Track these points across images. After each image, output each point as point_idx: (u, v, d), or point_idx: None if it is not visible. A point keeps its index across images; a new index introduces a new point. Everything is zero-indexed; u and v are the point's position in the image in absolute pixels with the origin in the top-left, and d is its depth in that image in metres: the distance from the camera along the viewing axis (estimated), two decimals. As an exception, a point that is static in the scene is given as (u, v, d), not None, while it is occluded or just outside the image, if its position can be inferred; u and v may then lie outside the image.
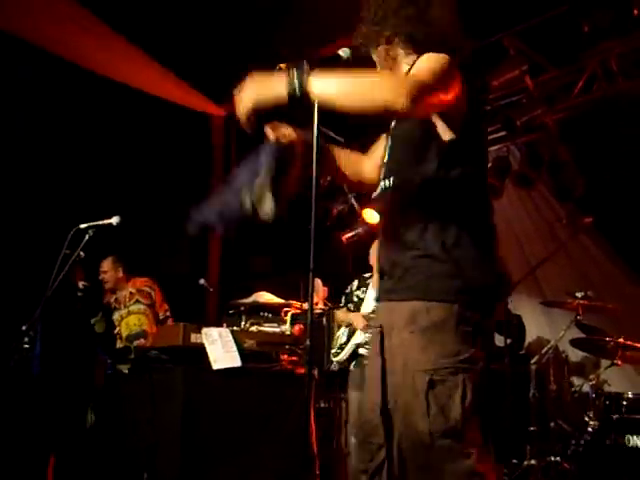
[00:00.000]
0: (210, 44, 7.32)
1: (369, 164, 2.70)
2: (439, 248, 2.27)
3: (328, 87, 2.16)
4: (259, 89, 2.19)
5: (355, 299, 5.46)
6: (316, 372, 5.96)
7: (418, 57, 2.36)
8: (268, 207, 2.49)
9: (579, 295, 5.12)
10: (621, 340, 4.88)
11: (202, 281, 6.50)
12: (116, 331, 6.16)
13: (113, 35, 7.07)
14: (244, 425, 5.21)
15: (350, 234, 8.02)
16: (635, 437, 4.41)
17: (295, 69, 2.14)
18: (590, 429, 4.78)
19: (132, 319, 6.17)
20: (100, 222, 4.28)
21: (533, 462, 5.11)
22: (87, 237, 4.26)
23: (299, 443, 5.16)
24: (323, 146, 2.58)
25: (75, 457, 5.43)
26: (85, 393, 5.64)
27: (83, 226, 4.29)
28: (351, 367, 5.31)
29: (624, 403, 4.88)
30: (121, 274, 6.37)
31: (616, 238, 6.25)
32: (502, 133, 6.85)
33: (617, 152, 6.10)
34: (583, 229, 5.95)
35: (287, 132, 2.51)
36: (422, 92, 2.10)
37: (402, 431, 2.25)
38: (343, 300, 5.61)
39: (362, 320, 5.32)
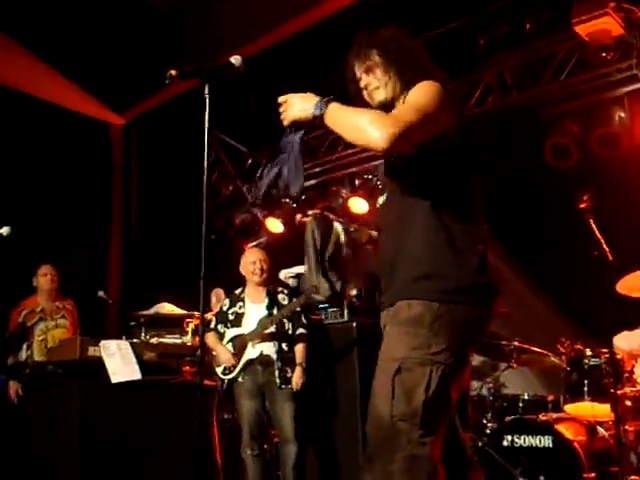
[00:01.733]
0: (108, 51, 7.19)
1: None
2: (421, 253, 2.46)
3: (336, 117, 2.42)
4: (301, 107, 2.48)
5: (231, 317, 5.36)
6: (219, 383, 5.89)
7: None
8: (324, 290, 2.73)
9: (475, 300, 5.23)
10: (516, 343, 5.02)
11: (101, 293, 6.32)
12: (40, 339, 5.93)
13: (8, 41, 6.89)
14: (145, 439, 5.11)
15: (253, 243, 8.00)
16: (530, 437, 4.53)
17: (322, 100, 2.45)
18: (488, 431, 4.89)
19: (58, 332, 6.03)
20: (-10, 232, 4.12)
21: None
22: (-24, 248, 4.10)
23: (202, 455, 5.11)
24: None
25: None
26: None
27: (-29, 236, 4.12)
28: (239, 379, 5.27)
29: (520, 405, 5.02)
30: (57, 285, 6.20)
31: (510, 243, 6.42)
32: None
33: (511, 161, 6.27)
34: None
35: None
36: (403, 134, 2.29)
37: (369, 411, 2.44)
38: (214, 321, 5.46)
39: (228, 356, 5.26)
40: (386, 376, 2.37)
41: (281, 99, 2.52)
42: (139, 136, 8.88)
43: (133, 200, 8.91)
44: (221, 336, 5.43)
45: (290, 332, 5.29)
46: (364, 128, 2.32)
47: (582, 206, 4.37)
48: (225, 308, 5.48)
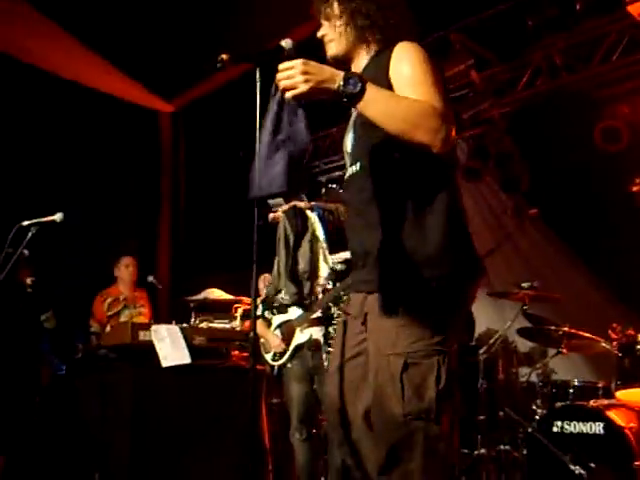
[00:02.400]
0: (158, 40, 7.25)
1: None
2: (415, 239, 2.28)
3: (377, 102, 2.16)
4: (315, 77, 2.16)
5: (277, 303, 5.29)
6: (268, 368, 5.95)
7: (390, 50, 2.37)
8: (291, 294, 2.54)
9: (525, 285, 5.17)
10: (566, 329, 4.94)
11: (151, 278, 6.44)
12: None
13: (57, 29, 6.98)
14: (195, 422, 5.18)
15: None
16: (581, 424, 4.48)
17: (352, 75, 2.15)
18: (538, 417, 4.85)
19: (141, 319, 6.24)
20: (43, 219, 4.20)
21: (483, 451, 5.17)
22: (30, 234, 4.18)
23: (251, 438, 5.17)
24: None
25: (25, 458, 5.35)
26: (31, 393, 5.55)
27: (26, 223, 4.20)
28: (289, 364, 5.29)
29: (570, 391, 4.97)
30: (136, 276, 6.42)
31: (561, 228, 6.35)
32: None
33: (560, 144, 6.20)
34: (529, 220, 6.03)
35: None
36: (451, 129, 2.17)
37: (375, 413, 2.29)
38: (260, 308, 5.40)
39: (277, 342, 5.20)
40: (390, 374, 2.26)
41: (285, 65, 2.20)
42: (187, 123, 8.96)
43: (181, 187, 9.01)
44: (268, 323, 5.41)
45: (336, 315, 5.29)
46: (412, 122, 2.14)
47: (634, 189, 4.30)
48: (272, 292, 5.43)
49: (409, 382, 2.22)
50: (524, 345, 6.09)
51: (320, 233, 2.78)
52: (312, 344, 5.21)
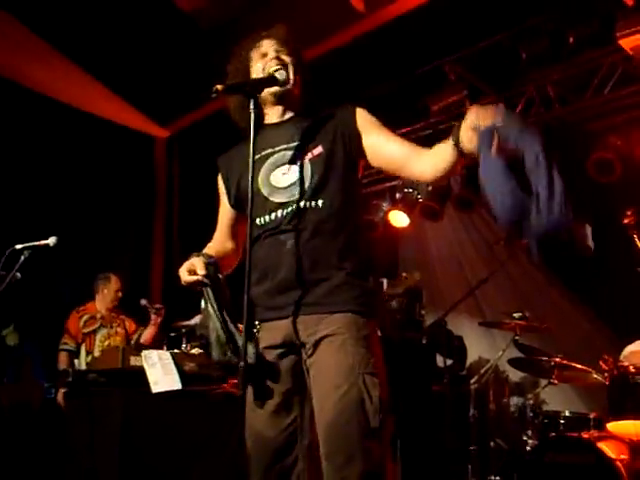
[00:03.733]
0: (155, 66, 7.29)
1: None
2: (363, 269, 2.61)
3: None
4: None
5: None
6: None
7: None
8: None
9: (516, 316, 5.19)
10: (557, 359, 4.96)
11: (144, 301, 6.37)
12: (106, 344, 6.02)
13: (53, 53, 7.01)
14: (184, 449, 5.14)
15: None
16: (572, 455, 4.47)
17: None
18: (529, 448, 4.85)
19: (117, 340, 6.15)
20: (37, 243, 4.19)
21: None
22: (23, 258, 4.17)
23: (241, 468, 5.12)
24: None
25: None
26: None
27: (19, 247, 4.19)
28: None
29: (561, 422, 4.96)
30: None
31: (553, 259, 6.37)
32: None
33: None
34: (521, 250, 6.06)
35: None
36: None
37: (342, 424, 2.42)
38: None
39: None
40: (367, 390, 2.43)
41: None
42: (182, 148, 8.98)
43: (175, 211, 9.01)
44: None
45: None
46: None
47: (626, 221, 4.33)
48: None
49: (369, 395, 2.44)
50: (515, 375, 6.10)
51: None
52: None
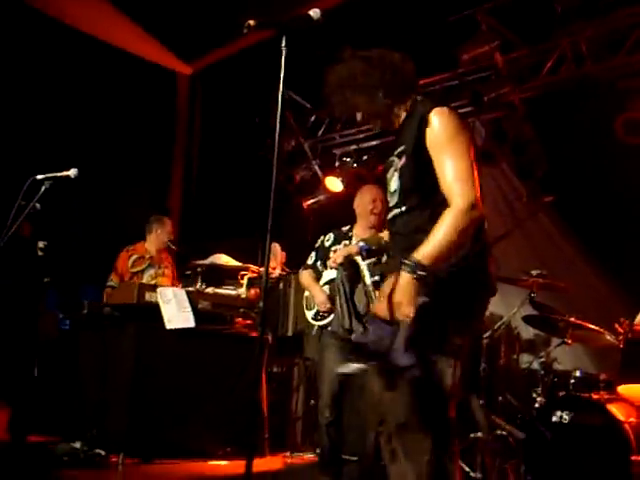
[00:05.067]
0: (180, 0, 7.19)
1: None
2: None
3: (435, 256, 2.65)
4: (408, 292, 2.64)
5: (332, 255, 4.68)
6: (270, 337, 5.95)
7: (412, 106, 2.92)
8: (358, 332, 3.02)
9: (534, 273, 5.15)
10: (572, 319, 4.93)
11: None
12: (153, 283, 6.00)
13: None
14: (195, 385, 5.22)
15: (312, 200, 7.99)
16: (580, 415, 4.48)
17: (407, 263, 2.64)
18: (537, 405, 4.86)
19: (165, 280, 6.15)
20: (57, 174, 4.17)
21: (479, 434, 5.18)
22: (43, 189, 4.15)
23: (249, 405, 5.20)
24: None
25: (27, 411, 5.38)
26: (32, 346, 5.56)
27: (40, 177, 4.17)
28: (329, 328, 4.64)
29: (572, 381, 4.95)
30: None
31: (575, 218, 6.30)
32: (468, 109, 6.84)
33: (580, 134, 6.13)
34: (542, 208, 5.99)
35: None
36: (474, 195, 2.67)
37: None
38: (313, 257, 4.89)
39: (323, 298, 4.68)
40: (417, 360, 2.69)
41: (382, 306, 2.75)
42: (205, 86, 8.91)
43: (195, 150, 8.98)
44: (318, 275, 4.86)
45: None
46: (454, 236, 2.65)
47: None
48: (328, 244, 4.86)
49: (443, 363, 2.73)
50: (527, 332, 6.09)
51: (367, 279, 3.09)
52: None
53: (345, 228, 4.91)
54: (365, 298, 3.34)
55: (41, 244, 5.44)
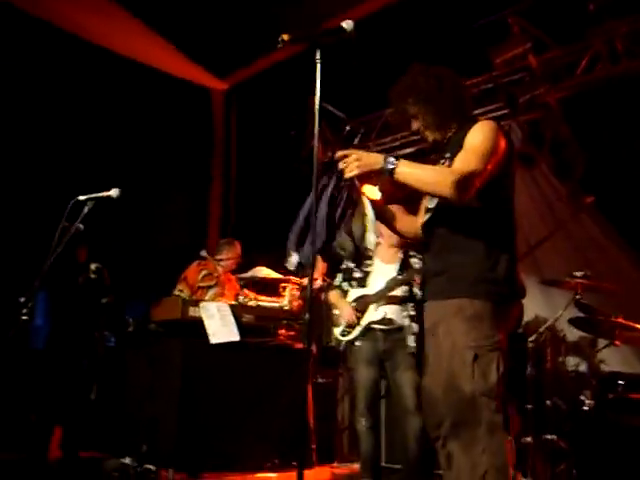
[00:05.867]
0: (212, 17, 7.26)
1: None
2: (488, 265, 3.00)
3: (407, 174, 2.87)
4: (364, 162, 2.87)
5: (357, 275, 5.05)
6: (314, 348, 5.96)
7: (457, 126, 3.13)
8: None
9: (578, 274, 5.09)
10: (620, 320, 4.86)
11: (204, 252, 6.39)
12: None
13: (113, 6, 7.03)
14: (241, 399, 5.25)
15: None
16: (631, 416, 4.42)
17: (389, 157, 2.87)
18: (586, 408, 4.80)
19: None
20: (99, 194, 4.24)
21: (529, 439, 5.13)
22: (86, 209, 4.22)
23: (296, 417, 5.22)
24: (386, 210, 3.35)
25: (79, 429, 5.47)
26: (90, 366, 5.65)
27: (82, 198, 4.24)
28: (357, 342, 4.95)
29: (620, 383, 4.89)
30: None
31: (617, 218, 6.23)
32: (504, 111, 6.82)
33: (619, 132, 6.07)
34: (584, 208, 5.93)
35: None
36: (468, 184, 2.84)
37: (448, 390, 2.92)
38: (340, 278, 5.21)
39: (349, 313, 4.97)
40: (463, 361, 2.89)
41: (341, 153, 2.90)
42: (239, 101, 8.99)
43: (233, 164, 9.06)
44: (344, 295, 5.14)
45: (418, 297, 4.99)
46: (432, 182, 2.87)
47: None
48: (351, 265, 5.21)
49: (478, 368, 2.88)
50: (572, 335, 6.01)
51: (369, 212, 3.25)
52: (385, 323, 4.92)
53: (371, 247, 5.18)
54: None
55: (93, 266, 5.54)
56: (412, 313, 4.89)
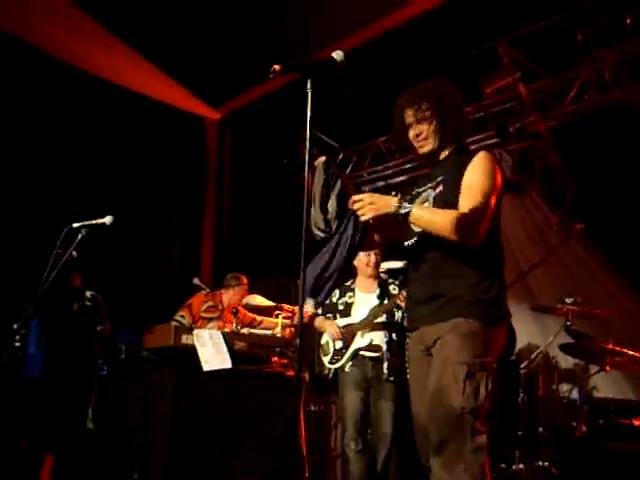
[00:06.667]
0: (206, 47, 7.33)
1: None
2: (473, 286, 3.04)
3: (419, 216, 2.98)
4: (378, 205, 2.94)
5: (341, 307, 5.38)
6: (306, 375, 5.95)
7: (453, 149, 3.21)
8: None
9: (568, 301, 5.13)
10: (610, 346, 4.88)
11: (196, 280, 6.38)
12: None
13: (108, 35, 7.10)
14: (233, 426, 5.22)
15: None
16: (623, 442, 4.43)
17: (404, 202, 2.96)
18: (578, 434, 4.81)
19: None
20: (93, 221, 4.27)
21: (521, 466, 5.13)
22: (80, 236, 4.25)
23: (288, 445, 5.20)
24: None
25: (71, 457, 5.44)
26: (84, 395, 5.64)
27: (76, 225, 4.27)
28: (347, 368, 5.20)
29: (612, 409, 4.91)
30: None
31: (606, 244, 6.27)
32: (494, 140, 6.89)
33: (608, 160, 6.13)
34: (574, 235, 5.97)
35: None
36: (477, 228, 2.94)
37: (436, 408, 2.93)
38: (320, 311, 5.52)
39: (336, 330, 5.28)
40: (455, 376, 2.91)
41: (357, 197, 2.97)
42: (233, 130, 9.05)
43: (226, 192, 9.10)
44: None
45: (400, 322, 5.23)
46: (447, 230, 2.91)
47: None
48: (335, 299, 5.49)
49: (469, 385, 2.90)
50: (565, 361, 6.03)
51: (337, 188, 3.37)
52: (372, 349, 5.17)
53: (348, 282, 5.50)
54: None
55: (88, 294, 5.55)
56: (394, 338, 5.07)
